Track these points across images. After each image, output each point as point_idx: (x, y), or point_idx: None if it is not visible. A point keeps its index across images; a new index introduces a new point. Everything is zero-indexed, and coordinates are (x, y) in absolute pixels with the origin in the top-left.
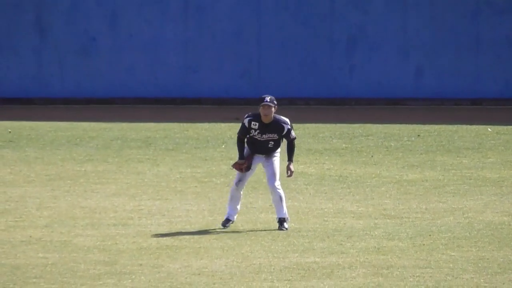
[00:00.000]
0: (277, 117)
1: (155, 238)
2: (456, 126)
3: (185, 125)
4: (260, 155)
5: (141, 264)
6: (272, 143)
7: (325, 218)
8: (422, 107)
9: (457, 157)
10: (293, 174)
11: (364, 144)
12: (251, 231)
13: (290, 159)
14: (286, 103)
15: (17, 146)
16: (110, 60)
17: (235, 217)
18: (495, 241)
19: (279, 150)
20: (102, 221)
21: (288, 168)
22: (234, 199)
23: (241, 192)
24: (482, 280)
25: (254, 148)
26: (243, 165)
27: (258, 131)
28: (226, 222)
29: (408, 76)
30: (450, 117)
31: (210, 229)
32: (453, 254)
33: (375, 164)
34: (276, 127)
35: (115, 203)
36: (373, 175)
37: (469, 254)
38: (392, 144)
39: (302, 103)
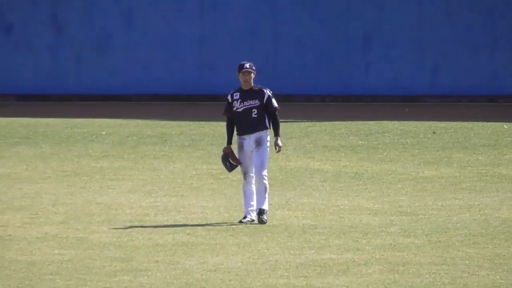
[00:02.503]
0: (258, 85)
1: (171, 235)
2: (472, 123)
3: (201, 122)
4: (249, 140)
5: (157, 261)
6: (255, 111)
7: (341, 215)
8: (438, 104)
9: (473, 154)
10: (281, 149)
11: (380, 141)
12: (267, 227)
13: (276, 133)
14: (302, 100)
15: (33, 143)
16: (126, 57)
17: (253, 214)
18: (511, 238)
19: (267, 134)
20: (118, 217)
21: (276, 144)
22: (246, 195)
23: (252, 186)
24: (498, 277)
25: (240, 124)
26: (228, 155)
27: (239, 100)
28: (243, 218)
29: (424, 73)
30: (466, 114)
31: (226, 226)
32: (469, 251)
33: (391, 161)
34: (256, 92)
35: (131, 200)
36: (389, 172)
37: (485, 251)
38: (408, 141)
39: (318, 100)
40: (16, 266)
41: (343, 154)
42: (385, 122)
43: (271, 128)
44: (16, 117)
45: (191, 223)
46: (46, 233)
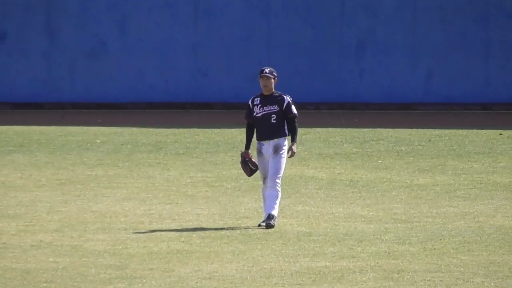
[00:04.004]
0: (278, 91)
1: (165, 243)
2: (466, 130)
3: (195, 129)
4: (268, 145)
5: (151, 269)
6: (274, 116)
7: (336, 223)
8: (432, 111)
9: (468, 161)
10: (295, 155)
11: (374, 148)
12: (262, 235)
13: (293, 139)
14: (296, 107)
15: (28, 151)
16: (120, 64)
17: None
18: (505, 245)
19: (286, 142)
20: (113, 225)
21: (290, 149)
22: (266, 199)
23: None
24: (492, 284)
25: (259, 129)
26: (248, 161)
27: (259, 105)
28: (263, 222)
29: (418, 80)
30: (460, 122)
31: (220, 234)
32: (463, 258)
33: (385, 169)
34: (276, 98)
35: (125, 208)
36: (384, 180)
37: (480, 258)
38: (403, 149)
39: (312, 107)
40: (11, 274)
41: (338, 162)
42: (380, 129)
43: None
44: (11, 125)
45: (186, 231)
46: (41, 241)
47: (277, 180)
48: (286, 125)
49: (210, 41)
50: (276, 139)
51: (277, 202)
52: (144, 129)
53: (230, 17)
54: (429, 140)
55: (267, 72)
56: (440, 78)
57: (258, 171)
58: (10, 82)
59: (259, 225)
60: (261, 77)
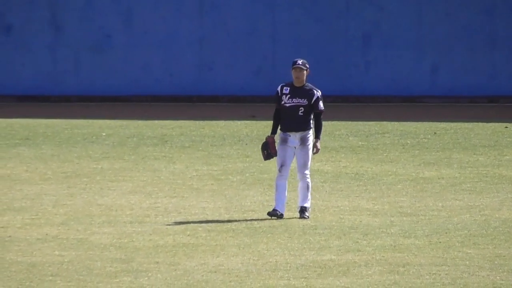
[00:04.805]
0: (309, 84)
1: (171, 236)
2: (472, 123)
3: (201, 122)
4: (294, 137)
5: (157, 262)
6: (302, 109)
7: (341, 216)
8: (438, 104)
9: (474, 154)
10: (319, 151)
11: (380, 141)
12: (268, 228)
13: (317, 136)
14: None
15: (33, 144)
16: (125, 57)
17: (283, 209)
18: (511, 238)
19: (311, 132)
20: (119, 218)
21: (315, 146)
22: (279, 188)
23: (286, 181)
24: (498, 278)
25: (285, 120)
26: (269, 145)
27: (288, 96)
28: (273, 212)
29: (423, 73)
30: (466, 115)
31: (226, 227)
32: (469, 251)
33: (391, 162)
34: (307, 92)
35: (131, 201)
36: (389, 173)
37: (485, 252)
38: (409, 142)
39: None
40: (17, 268)
41: (343, 155)
42: (385, 122)
43: (314, 128)
44: (16, 118)
45: (192, 224)
46: (47, 234)
47: (306, 172)
48: (311, 119)
49: (215, 35)
50: (302, 131)
51: (309, 194)
52: (149, 122)
53: (235, 10)
54: (435, 133)
55: (300, 63)
56: (445, 71)
57: (275, 158)
58: (15, 75)
59: (269, 214)
60: (293, 68)
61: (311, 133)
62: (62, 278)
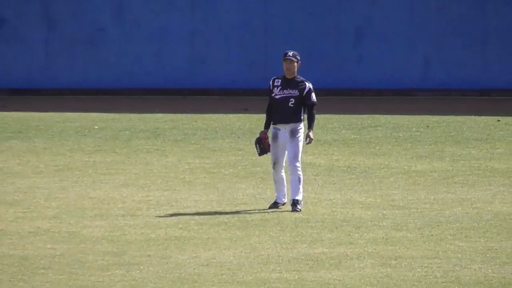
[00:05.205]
0: (300, 76)
1: (163, 229)
2: (464, 117)
3: (193, 115)
4: (284, 130)
5: (149, 255)
6: (293, 101)
7: (334, 209)
8: (430, 98)
9: (466, 147)
10: (312, 141)
11: (372, 135)
12: (260, 221)
13: (310, 126)
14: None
15: (26, 137)
16: (117, 50)
17: (284, 199)
18: (503, 231)
19: (301, 125)
20: (111, 211)
21: (308, 136)
22: (277, 182)
23: (283, 174)
24: (490, 271)
25: (276, 112)
26: (262, 141)
27: (280, 87)
28: (274, 205)
29: (416, 66)
30: (458, 108)
31: (218, 220)
32: (461, 244)
33: (383, 155)
34: (298, 83)
35: (123, 194)
36: (382, 166)
37: (477, 245)
38: (401, 135)
39: None
40: (8, 261)
41: (336, 148)
42: (378, 116)
43: (307, 120)
44: (8, 112)
45: (184, 217)
46: (39, 227)
47: (297, 164)
48: (302, 111)
49: (208, 28)
50: (292, 124)
51: (300, 186)
52: (142, 115)
53: (227, 3)
54: (427, 126)
55: (291, 55)
56: (438, 65)
57: (269, 154)
58: (8, 68)
59: (270, 207)
60: (284, 60)
61: (301, 126)
62: (54, 271)
